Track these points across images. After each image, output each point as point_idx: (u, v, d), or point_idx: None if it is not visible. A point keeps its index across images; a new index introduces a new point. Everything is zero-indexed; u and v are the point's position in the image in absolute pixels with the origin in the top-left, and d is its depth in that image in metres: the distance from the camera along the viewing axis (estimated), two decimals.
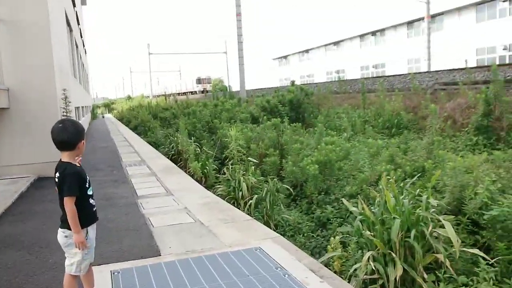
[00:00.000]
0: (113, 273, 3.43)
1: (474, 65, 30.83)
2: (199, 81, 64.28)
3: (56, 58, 8.18)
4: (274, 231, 4.76)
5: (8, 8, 7.51)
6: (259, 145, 9.13)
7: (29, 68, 7.71)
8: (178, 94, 61.10)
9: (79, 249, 2.65)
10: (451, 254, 3.55)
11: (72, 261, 2.71)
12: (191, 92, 61.96)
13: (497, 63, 27.02)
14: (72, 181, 2.61)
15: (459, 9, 35.75)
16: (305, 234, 5.56)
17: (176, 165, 9.43)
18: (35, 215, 5.39)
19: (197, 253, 3.83)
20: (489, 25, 33.41)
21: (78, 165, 2.76)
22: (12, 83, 7.62)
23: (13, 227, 4.89)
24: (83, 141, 2.74)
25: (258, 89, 41.12)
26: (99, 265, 3.55)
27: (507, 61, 30.37)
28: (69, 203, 2.58)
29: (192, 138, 11.18)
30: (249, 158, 8.27)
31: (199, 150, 10.34)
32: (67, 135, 2.65)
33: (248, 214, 5.49)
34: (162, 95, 62.13)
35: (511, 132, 7.63)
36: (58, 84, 8.17)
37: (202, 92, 48.78)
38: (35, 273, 3.52)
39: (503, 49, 32.27)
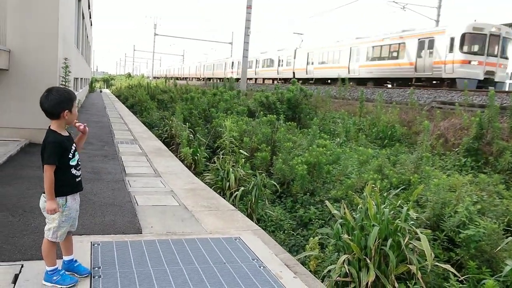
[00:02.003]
0: (93, 245, 3.49)
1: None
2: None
3: (61, 26, 8.15)
4: (256, 224, 4.83)
5: None
6: (252, 139, 9.18)
7: (33, 33, 7.69)
8: (177, 78, 60.48)
9: (51, 214, 2.67)
10: (424, 267, 3.64)
11: (50, 226, 2.74)
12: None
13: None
14: (52, 150, 2.63)
15: None
16: (286, 232, 5.65)
17: (168, 148, 9.46)
18: (21, 179, 5.41)
19: (177, 236, 3.90)
20: None
21: (67, 133, 2.79)
22: (14, 45, 7.60)
23: None
24: (66, 111, 2.69)
25: (258, 83, 41.22)
26: (80, 235, 3.60)
27: (506, 89, 30.54)
28: (48, 171, 2.62)
29: (187, 123, 11.20)
30: (240, 150, 8.32)
31: (192, 136, 10.37)
32: (48, 104, 2.65)
33: (233, 205, 5.55)
34: (163, 77, 61.62)
35: (500, 158, 7.73)
36: (60, 53, 8.15)
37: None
38: (15, 235, 3.56)
39: None
